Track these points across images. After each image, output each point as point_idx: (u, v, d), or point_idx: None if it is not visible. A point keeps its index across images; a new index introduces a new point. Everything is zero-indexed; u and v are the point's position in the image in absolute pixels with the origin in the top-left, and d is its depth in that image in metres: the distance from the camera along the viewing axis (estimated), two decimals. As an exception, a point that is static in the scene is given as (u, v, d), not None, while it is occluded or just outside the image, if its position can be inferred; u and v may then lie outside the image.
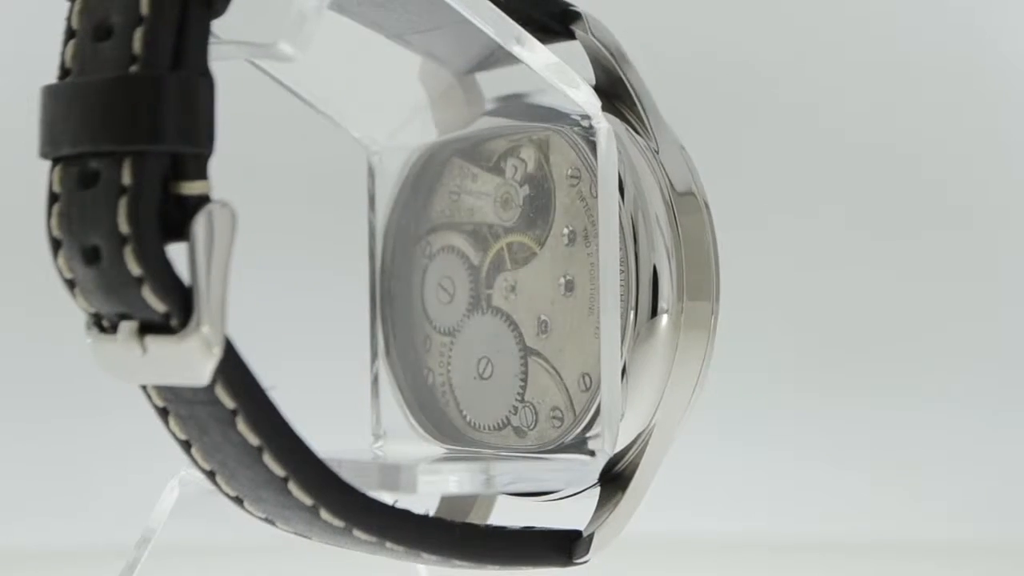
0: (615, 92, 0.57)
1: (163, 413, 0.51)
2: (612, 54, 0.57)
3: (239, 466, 0.49)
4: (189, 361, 0.46)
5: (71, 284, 0.48)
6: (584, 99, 0.55)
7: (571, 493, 0.57)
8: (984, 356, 0.97)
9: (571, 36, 0.57)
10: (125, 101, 0.46)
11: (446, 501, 0.62)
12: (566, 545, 0.55)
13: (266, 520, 0.53)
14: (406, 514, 0.51)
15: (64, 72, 0.49)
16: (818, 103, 0.98)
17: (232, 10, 0.48)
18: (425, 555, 0.52)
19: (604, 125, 0.55)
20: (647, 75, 0.98)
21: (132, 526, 0.91)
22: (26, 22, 0.82)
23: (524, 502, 0.58)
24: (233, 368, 0.47)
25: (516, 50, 0.53)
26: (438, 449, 0.62)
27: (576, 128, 0.57)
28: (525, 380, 0.59)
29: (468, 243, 0.61)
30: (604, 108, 0.56)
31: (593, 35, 0.57)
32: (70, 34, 0.49)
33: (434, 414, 0.63)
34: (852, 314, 0.97)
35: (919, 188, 0.98)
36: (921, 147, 0.98)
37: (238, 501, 0.52)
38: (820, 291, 0.97)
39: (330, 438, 0.62)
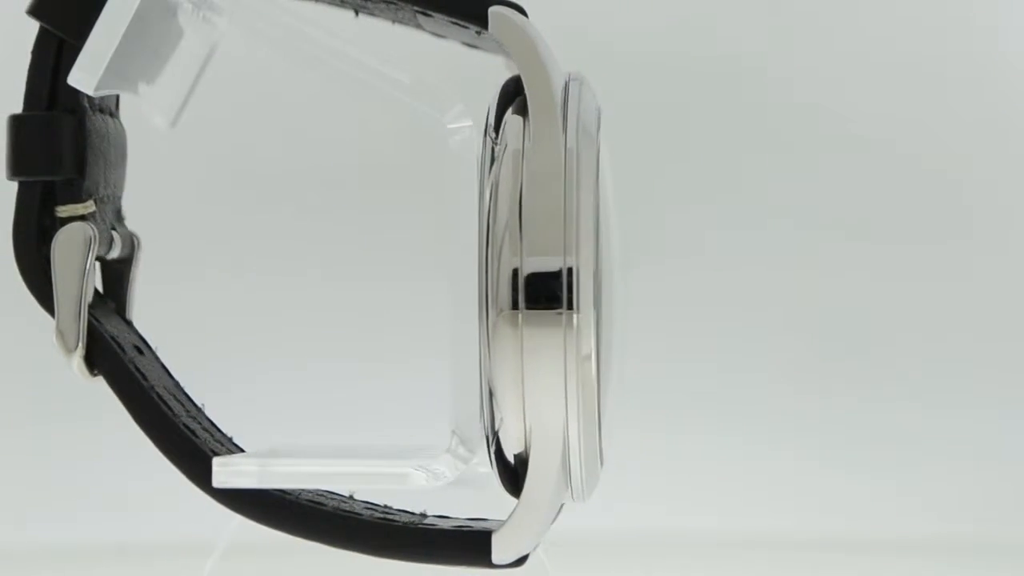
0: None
1: None
2: (510, 55, 0.55)
3: None
4: (65, 358, 0.55)
5: None
6: (437, 102, 0.55)
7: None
8: (984, 356, 0.97)
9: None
10: (9, 138, 0.55)
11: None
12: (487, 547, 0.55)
13: None
14: (289, 503, 0.55)
15: None
16: (819, 103, 0.98)
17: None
18: (332, 546, 0.55)
19: (456, 126, 0.54)
20: (647, 72, 0.98)
21: (132, 526, 0.91)
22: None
23: None
24: (111, 366, 0.55)
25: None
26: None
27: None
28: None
29: None
30: (520, 110, 0.54)
31: (494, 37, 0.55)
32: None
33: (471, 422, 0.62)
34: (852, 315, 0.97)
35: (919, 189, 0.98)
36: (922, 147, 0.98)
37: None
38: (820, 292, 0.97)
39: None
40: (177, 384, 0.61)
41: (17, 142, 0.55)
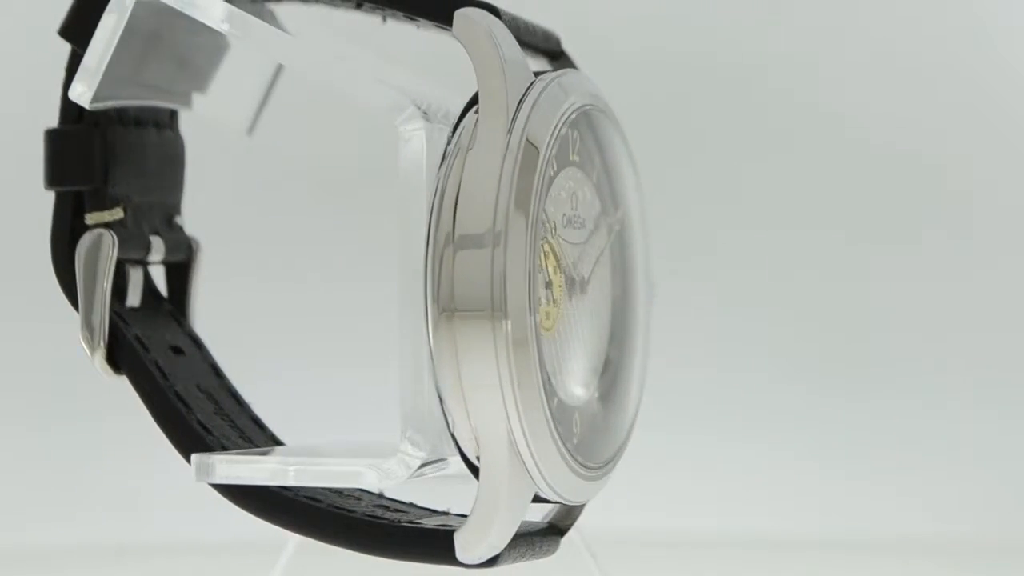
0: None
1: None
2: (470, 55, 0.54)
3: None
4: (89, 356, 0.58)
5: None
6: (391, 103, 0.54)
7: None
8: (985, 356, 0.97)
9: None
10: (44, 151, 0.60)
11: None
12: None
13: None
14: (287, 499, 0.56)
15: None
16: (818, 103, 0.98)
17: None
18: (324, 542, 0.56)
19: (407, 128, 0.53)
20: (645, 72, 0.98)
21: (132, 526, 0.91)
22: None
23: None
24: (131, 364, 0.58)
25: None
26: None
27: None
28: None
29: None
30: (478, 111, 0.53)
31: (456, 38, 0.54)
32: None
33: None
34: (852, 314, 0.97)
35: (918, 189, 0.98)
36: (922, 147, 0.98)
37: None
38: (820, 291, 0.97)
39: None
40: (223, 383, 0.62)
41: (50, 154, 0.60)
